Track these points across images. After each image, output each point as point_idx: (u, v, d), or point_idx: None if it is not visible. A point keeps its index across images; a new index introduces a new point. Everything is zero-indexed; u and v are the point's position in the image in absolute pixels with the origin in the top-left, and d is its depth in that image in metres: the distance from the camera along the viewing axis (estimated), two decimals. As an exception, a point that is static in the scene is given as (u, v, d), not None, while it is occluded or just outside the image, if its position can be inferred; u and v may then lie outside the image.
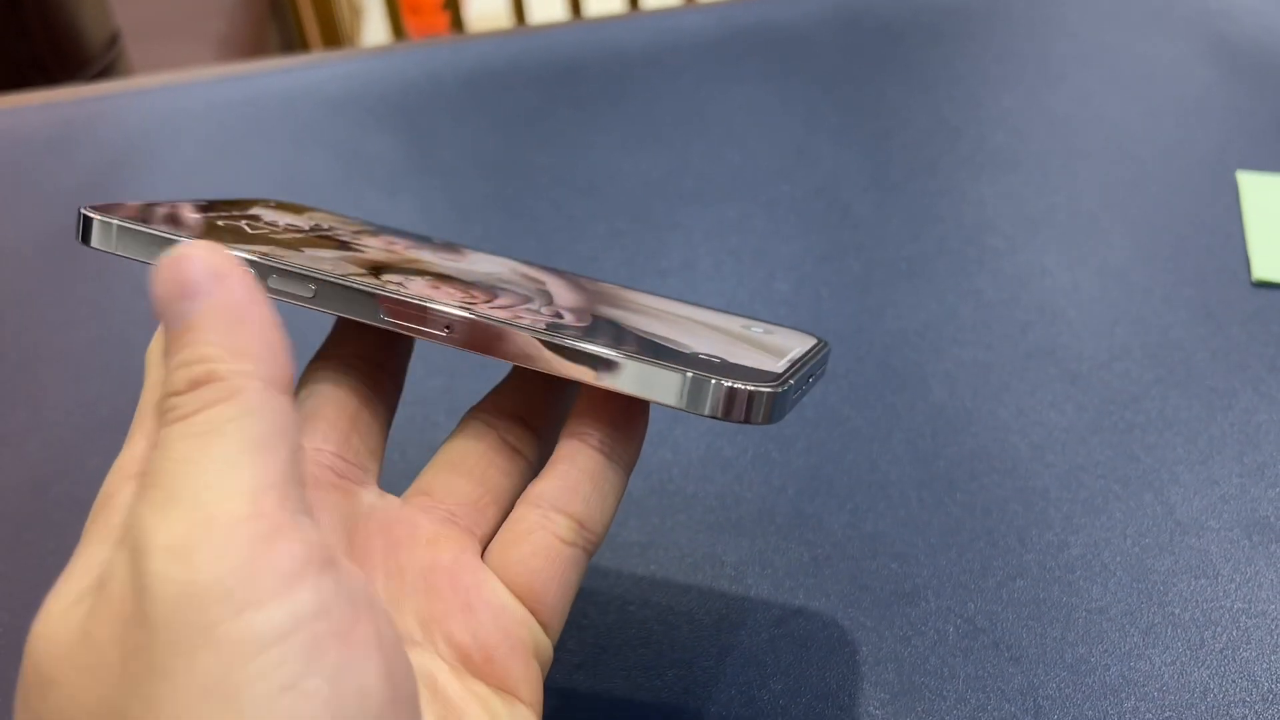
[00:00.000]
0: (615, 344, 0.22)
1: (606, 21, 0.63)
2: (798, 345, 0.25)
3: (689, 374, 0.21)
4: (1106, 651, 0.29)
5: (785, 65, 0.58)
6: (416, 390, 0.39)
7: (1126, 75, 0.55)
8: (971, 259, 0.44)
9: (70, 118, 0.56)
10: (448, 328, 0.22)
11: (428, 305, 0.22)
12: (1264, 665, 0.29)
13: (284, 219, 0.28)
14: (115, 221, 0.23)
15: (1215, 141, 0.50)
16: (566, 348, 0.22)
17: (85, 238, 0.23)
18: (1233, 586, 0.31)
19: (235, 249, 0.23)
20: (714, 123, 0.53)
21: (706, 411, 0.21)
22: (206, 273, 0.19)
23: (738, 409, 0.21)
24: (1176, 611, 0.30)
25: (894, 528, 0.33)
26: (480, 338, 0.22)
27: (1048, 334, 0.40)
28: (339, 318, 0.25)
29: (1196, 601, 0.30)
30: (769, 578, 0.32)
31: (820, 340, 0.25)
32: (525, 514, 0.23)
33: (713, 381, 0.21)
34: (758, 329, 0.26)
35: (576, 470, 0.23)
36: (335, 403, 0.24)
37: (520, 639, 0.22)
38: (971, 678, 0.29)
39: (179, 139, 0.54)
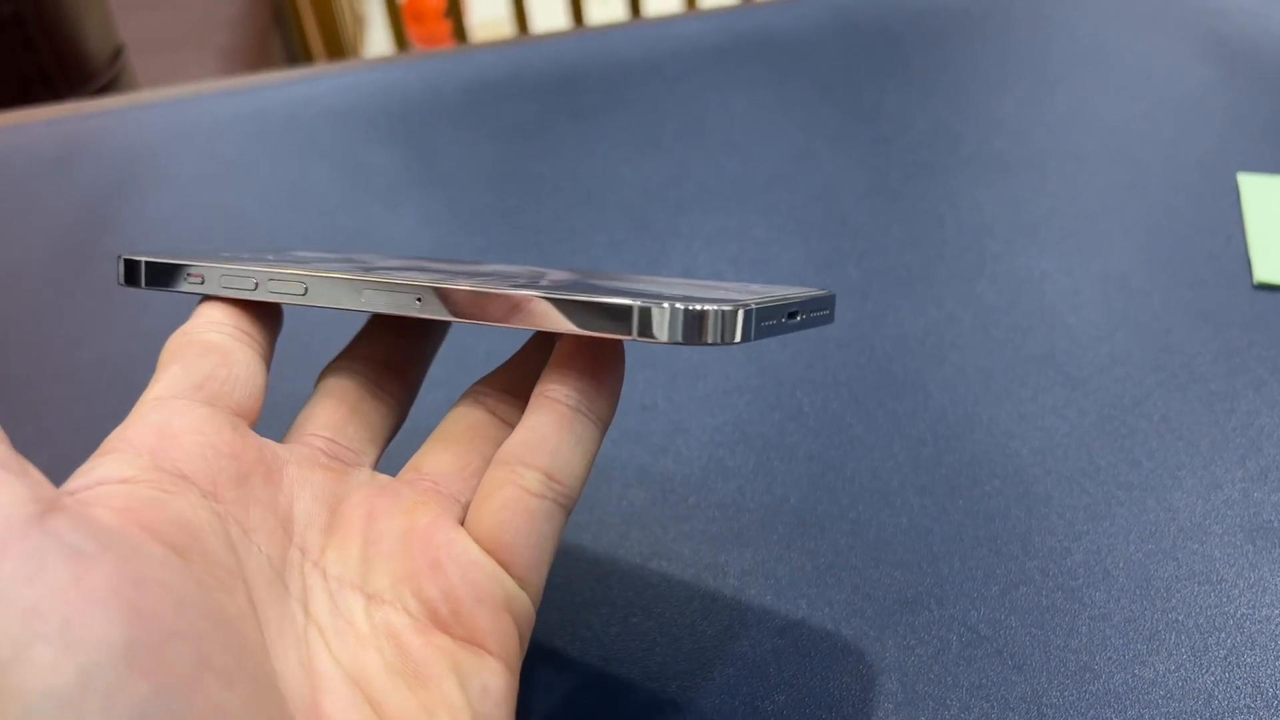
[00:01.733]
0: (573, 290, 0.23)
1: (606, 30, 0.63)
2: (790, 290, 0.24)
3: (638, 303, 0.21)
4: (1110, 659, 0.29)
5: (785, 71, 0.58)
6: (418, 404, 0.39)
7: (1125, 77, 0.55)
8: (971, 264, 0.44)
9: (75, 133, 0.57)
10: (418, 300, 0.23)
11: (398, 281, 0.24)
12: (1268, 671, 0.29)
13: (316, 254, 0.30)
14: (145, 259, 0.26)
15: (1215, 143, 0.50)
16: (517, 296, 0.22)
17: (128, 279, 0.27)
18: (1236, 592, 0.31)
19: (237, 264, 0.25)
20: (714, 130, 0.53)
21: (665, 336, 0.21)
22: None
23: (690, 328, 0.21)
24: (1180, 617, 0.30)
25: (896, 536, 0.33)
26: (448, 303, 0.23)
27: (1048, 339, 0.40)
28: (365, 326, 0.28)
29: (1200, 607, 0.30)
30: (772, 588, 0.32)
31: (823, 290, 0.25)
32: (494, 472, 0.23)
33: (660, 305, 0.21)
34: (757, 286, 0.26)
35: (542, 425, 0.23)
36: (336, 396, 0.26)
37: (488, 591, 0.22)
38: (975, 686, 0.29)
39: (183, 153, 0.54)
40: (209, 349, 0.24)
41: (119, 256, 0.27)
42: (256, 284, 0.25)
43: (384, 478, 0.25)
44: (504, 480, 0.23)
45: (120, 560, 0.17)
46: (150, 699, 0.16)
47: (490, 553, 0.23)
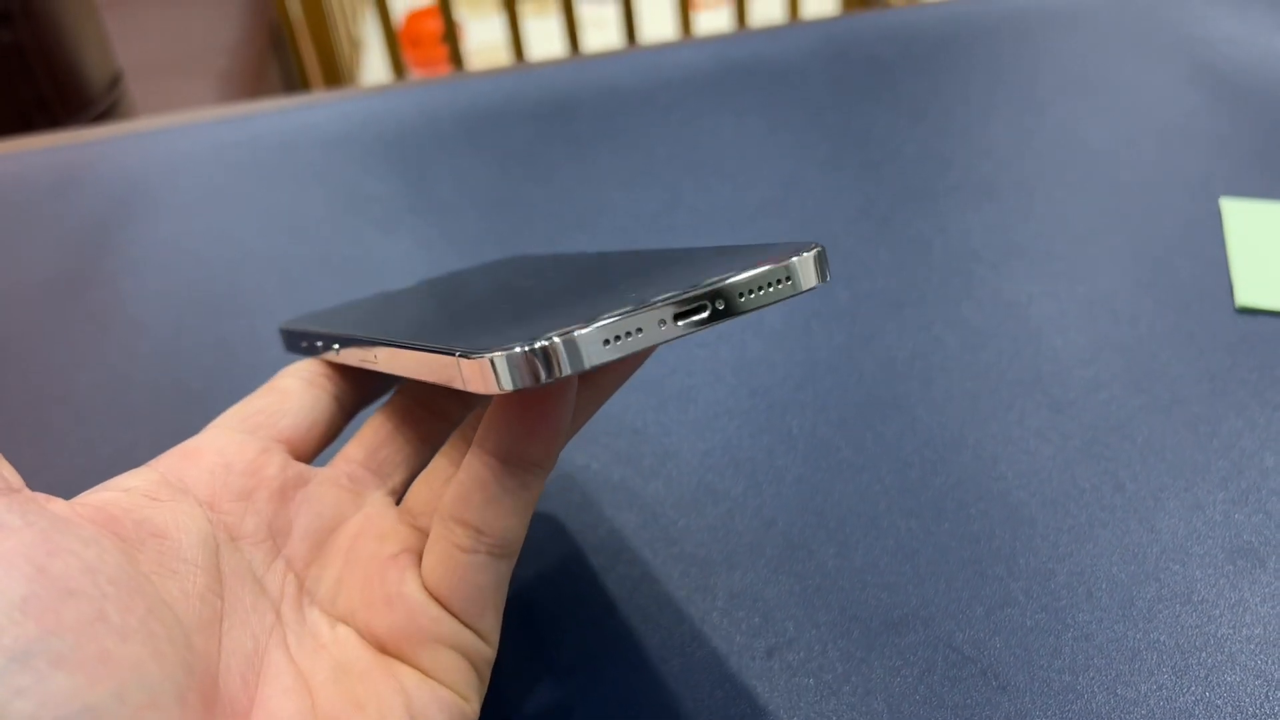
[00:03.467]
0: (422, 334, 0.24)
1: (600, 58, 0.64)
2: (724, 270, 0.21)
3: (455, 352, 0.20)
4: (1093, 679, 0.30)
5: (776, 98, 0.59)
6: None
7: (1111, 103, 0.56)
8: (958, 288, 0.44)
9: (73, 161, 0.57)
10: (375, 356, 0.26)
11: (358, 338, 0.26)
12: (1248, 690, 0.29)
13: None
14: (283, 328, 0.32)
15: (1199, 168, 0.50)
16: (381, 342, 0.25)
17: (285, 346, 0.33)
18: (1217, 612, 0.31)
19: (318, 326, 0.30)
20: (706, 156, 0.54)
21: (464, 388, 0.20)
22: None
23: (475, 379, 0.20)
24: (1162, 638, 0.31)
25: (883, 557, 0.34)
26: (373, 362, 0.26)
27: (1033, 362, 0.40)
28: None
29: (1181, 627, 0.31)
30: (760, 609, 0.32)
31: (788, 257, 0.21)
32: (434, 525, 0.25)
33: (455, 355, 0.20)
34: (723, 259, 0.23)
35: (468, 479, 0.24)
36: (374, 426, 0.29)
37: (431, 632, 0.24)
38: (960, 707, 0.29)
39: (180, 180, 0.55)
40: (273, 390, 0.28)
41: (280, 328, 0.33)
42: (321, 344, 0.29)
43: (389, 504, 0.27)
44: (438, 535, 0.24)
45: (40, 533, 0.20)
46: (36, 639, 0.18)
47: (435, 598, 0.24)
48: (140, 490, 0.24)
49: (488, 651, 0.25)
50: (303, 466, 0.27)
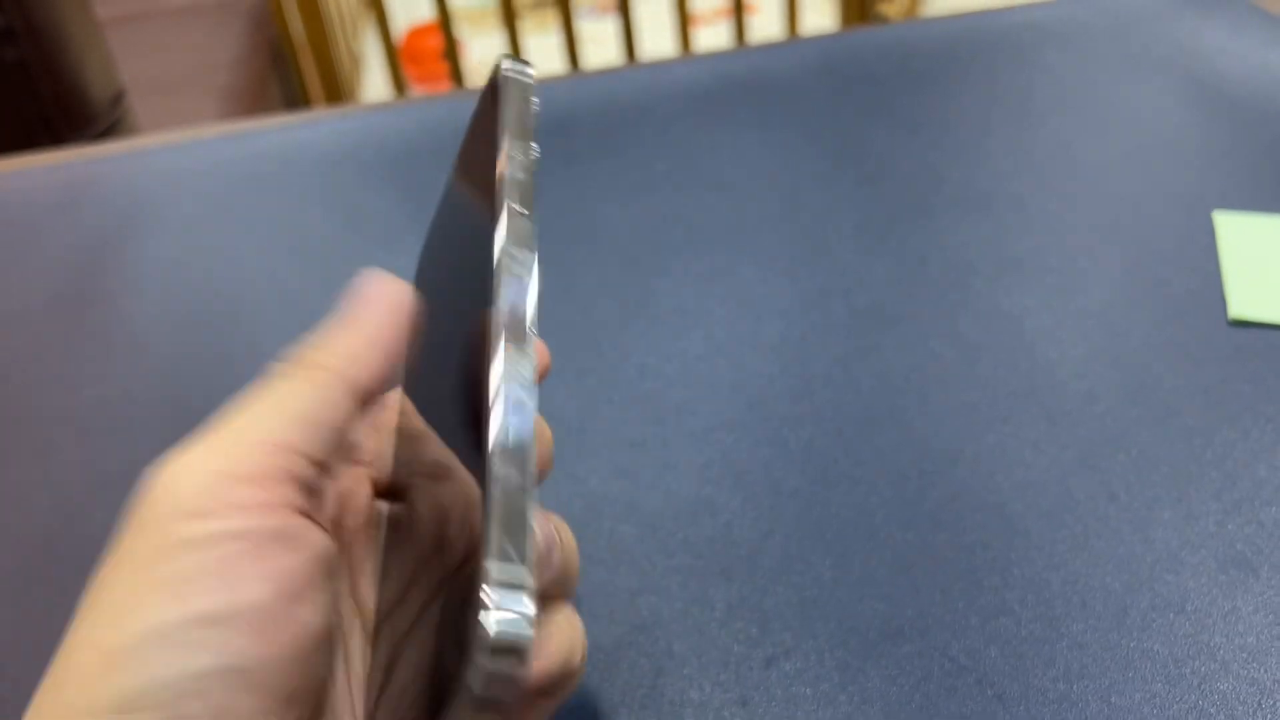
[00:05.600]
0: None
1: (599, 74, 0.65)
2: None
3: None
4: (1087, 687, 0.30)
5: (774, 114, 0.59)
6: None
7: (1106, 118, 0.57)
8: (955, 301, 0.45)
9: (76, 178, 0.58)
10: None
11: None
12: (1241, 697, 0.29)
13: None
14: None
15: (1192, 182, 0.51)
16: None
17: None
18: (1210, 621, 0.32)
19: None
20: (704, 172, 0.55)
21: None
22: (369, 293, 0.27)
23: None
24: (1155, 646, 0.31)
25: (880, 568, 0.34)
26: None
27: (1029, 375, 0.41)
28: None
29: (1174, 636, 0.31)
30: (758, 621, 0.33)
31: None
32: None
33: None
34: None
35: None
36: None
37: None
38: (956, 716, 0.30)
39: (182, 197, 0.56)
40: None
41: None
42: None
43: None
44: None
45: (293, 561, 0.22)
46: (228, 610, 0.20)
47: None
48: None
49: None
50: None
